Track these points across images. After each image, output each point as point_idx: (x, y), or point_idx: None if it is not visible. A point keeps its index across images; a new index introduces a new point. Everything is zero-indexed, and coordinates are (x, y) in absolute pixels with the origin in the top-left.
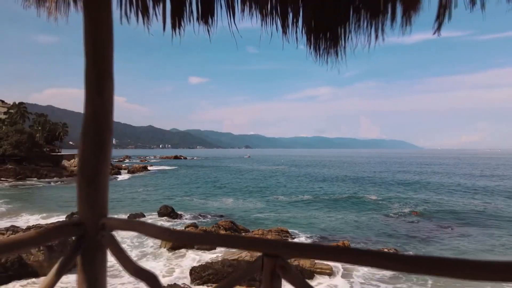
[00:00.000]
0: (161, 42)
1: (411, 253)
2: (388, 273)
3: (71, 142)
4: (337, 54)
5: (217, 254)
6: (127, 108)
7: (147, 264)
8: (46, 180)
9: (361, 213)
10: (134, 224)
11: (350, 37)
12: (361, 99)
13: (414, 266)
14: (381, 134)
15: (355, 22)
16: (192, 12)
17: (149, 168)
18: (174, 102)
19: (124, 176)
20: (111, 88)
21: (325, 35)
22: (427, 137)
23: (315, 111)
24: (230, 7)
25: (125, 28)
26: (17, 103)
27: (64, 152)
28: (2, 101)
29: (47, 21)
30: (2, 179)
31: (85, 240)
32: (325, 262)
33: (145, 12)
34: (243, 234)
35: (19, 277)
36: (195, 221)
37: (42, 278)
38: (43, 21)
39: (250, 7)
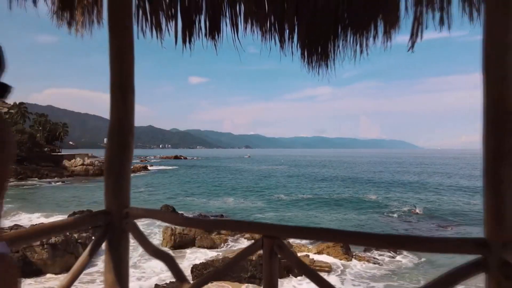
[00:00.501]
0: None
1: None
2: (379, 272)
3: (71, 142)
4: (327, 66)
5: (217, 252)
6: None
7: (149, 264)
8: (47, 180)
9: (360, 212)
10: (153, 212)
11: (338, 51)
12: (361, 99)
13: (383, 242)
14: (381, 134)
15: (343, 38)
16: (200, 28)
17: (149, 168)
18: (174, 102)
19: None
20: (132, 98)
21: (317, 49)
22: (427, 137)
23: (315, 111)
24: (234, 25)
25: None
26: (15, 102)
27: (64, 152)
28: (3, 101)
29: (75, 38)
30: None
31: (112, 226)
32: (324, 260)
33: (159, 28)
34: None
35: (24, 275)
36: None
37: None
38: (42, 21)
39: (252, 25)
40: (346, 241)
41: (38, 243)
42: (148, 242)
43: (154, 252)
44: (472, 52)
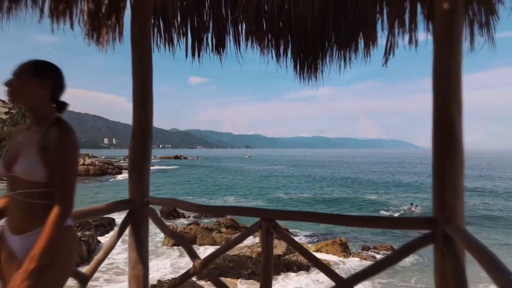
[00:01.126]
0: None
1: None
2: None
3: None
4: (316, 78)
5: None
6: (127, 108)
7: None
8: None
9: (360, 211)
10: (169, 201)
11: (325, 65)
12: (361, 99)
13: (351, 222)
14: (381, 134)
15: (329, 54)
16: (208, 45)
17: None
18: (174, 102)
19: (125, 176)
20: (151, 104)
21: (307, 63)
22: (427, 137)
23: (315, 111)
24: (237, 42)
25: (126, 28)
26: None
27: None
28: (3, 101)
29: (99, 52)
30: (3, 180)
31: (135, 213)
32: (323, 258)
33: (171, 43)
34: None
35: None
36: (196, 219)
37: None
38: (42, 21)
39: (252, 41)
40: (320, 221)
41: None
42: (165, 226)
43: (171, 233)
44: (471, 52)
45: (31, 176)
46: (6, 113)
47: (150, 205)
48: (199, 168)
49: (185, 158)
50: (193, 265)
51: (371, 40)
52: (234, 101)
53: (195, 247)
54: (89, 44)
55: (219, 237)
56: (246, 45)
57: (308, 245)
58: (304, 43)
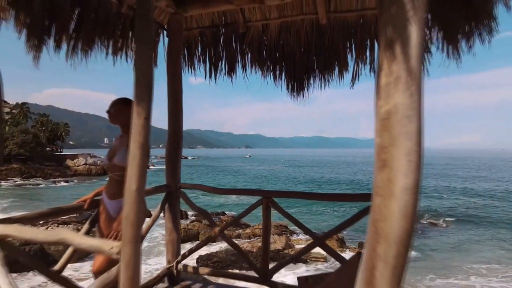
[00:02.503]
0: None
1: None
2: None
3: (71, 142)
4: (303, 95)
5: (220, 246)
6: None
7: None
8: (52, 180)
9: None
10: (196, 185)
11: (310, 86)
12: (361, 99)
13: (321, 198)
14: None
15: (313, 77)
16: (222, 69)
17: (150, 167)
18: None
19: None
20: (181, 117)
21: (297, 84)
22: (427, 137)
23: (315, 111)
24: (244, 67)
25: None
26: (17, 102)
27: (65, 151)
28: (5, 101)
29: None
30: (8, 178)
31: (170, 195)
32: (320, 252)
33: (193, 68)
34: (249, 188)
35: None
36: (199, 217)
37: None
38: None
39: (255, 67)
40: (304, 197)
41: None
42: (193, 204)
43: (198, 210)
44: (470, 53)
45: (122, 164)
46: (7, 113)
47: (182, 189)
48: (200, 167)
49: (185, 157)
50: (213, 231)
51: (343, 67)
52: (235, 101)
53: (197, 242)
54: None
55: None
56: (251, 70)
57: (307, 241)
58: (294, 69)
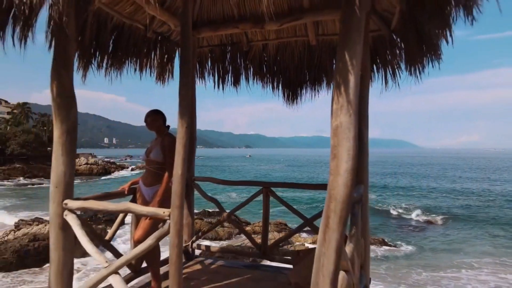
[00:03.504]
0: None
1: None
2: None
3: None
4: (296, 103)
5: (222, 242)
6: (127, 108)
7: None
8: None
9: None
10: (208, 178)
11: (302, 95)
12: None
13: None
14: (381, 133)
15: (305, 88)
16: (228, 80)
17: None
18: (174, 101)
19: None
20: (195, 122)
21: (291, 93)
22: (427, 137)
23: (314, 110)
24: (247, 79)
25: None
26: (18, 102)
27: None
28: (6, 101)
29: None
30: (11, 178)
31: (186, 186)
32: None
33: (203, 78)
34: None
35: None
36: (201, 215)
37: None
38: (43, 21)
39: (257, 79)
40: (297, 187)
41: None
42: (205, 194)
43: (209, 198)
44: (470, 53)
45: (157, 159)
46: (8, 113)
47: (196, 182)
48: (201, 167)
49: None
50: (222, 216)
51: (330, 80)
52: (235, 100)
53: (200, 240)
54: (157, 82)
55: (222, 231)
56: (253, 82)
57: (306, 237)
58: (289, 81)
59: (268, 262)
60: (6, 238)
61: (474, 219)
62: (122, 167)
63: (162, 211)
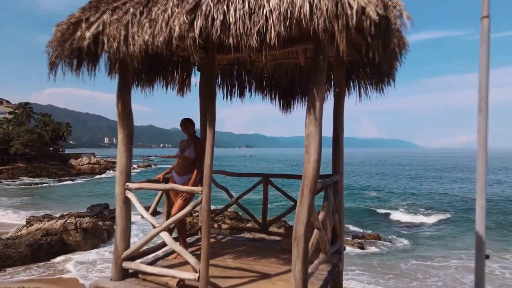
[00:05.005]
0: None
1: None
2: (360, 254)
3: (71, 142)
4: (290, 111)
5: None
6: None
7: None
8: (57, 178)
9: (359, 205)
10: (219, 171)
11: (294, 104)
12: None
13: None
14: (381, 133)
15: (297, 99)
16: (235, 93)
17: (152, 166)
18: (174, 101)
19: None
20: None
21: (286, 103)
22: (427, 137)
23: None
24: (250, 91)
25: None
26: (18, 102)
27: (66, 151)
28: (7, 101)
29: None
30: (15, 177)
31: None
32: None
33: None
34: (254, 172)
35: (61, 253)
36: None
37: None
38: (43, 21)
39: (257, 92)
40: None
41: (73, 227)
42: (217, 183)
43: (219, 186)
44: (470, 52)
45: (190, 156)
46: (10, 113)
47: None
48: None
49: None
50: (231, 200)
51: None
52: (235, 100)
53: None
54: (177, 95)
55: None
56: (255, 94)
57: None
58: (284, 93)
59: (267, 236)
60: (19, 233)
61: (465, 218)
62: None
63: (196, 188)
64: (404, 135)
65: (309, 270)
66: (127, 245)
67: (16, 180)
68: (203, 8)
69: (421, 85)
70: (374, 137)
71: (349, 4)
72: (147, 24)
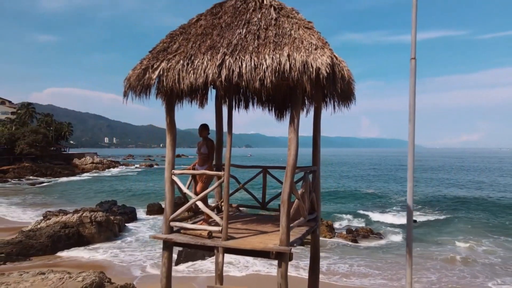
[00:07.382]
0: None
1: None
2: (351, 246)
3: (72, 141)
4: (283, 120)
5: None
6: (127, 107)
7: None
8: (62, 177)
9: (358, 203)
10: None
11: (287, 114)
12: (361, 98)
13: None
14: (381, 133)
15: (288, 110)
16: (241, 105)
17: (154, 166)
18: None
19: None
20: (222, 135)
21: (279, 113)
22: (427, 137)
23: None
24: (253, 104)
25: (132, 29)
26: (20, 102)
27: (70, 151)
28: (9, 101)
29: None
30: (21, 176)
31: (218, 169)
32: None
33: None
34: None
35: (78, 245)
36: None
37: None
38: (43, 20)
39: (259, 104)
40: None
41: (89, 220)
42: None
43: (230, 175)
44: (470, 52)
45: (205, 152)
46: (13, 113)
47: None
48: None
49: (186, 156)
50: (239, 186)
51: (304, 106)
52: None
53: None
54: (198, 108)
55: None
56: (257, 106)
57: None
58: (278, 105)
59: (266, 212)
60: (39, 226)
61: (463, 214)
62: (126, 165)
63: (220, 172)
64: (404, 135)
65: (291, 225)
66: (172, 210)
67: (22, 179)
68: (226, 63)
69: (421, 85)
70: (374, 137)
71: (311, 65)
72: (191, 71)
